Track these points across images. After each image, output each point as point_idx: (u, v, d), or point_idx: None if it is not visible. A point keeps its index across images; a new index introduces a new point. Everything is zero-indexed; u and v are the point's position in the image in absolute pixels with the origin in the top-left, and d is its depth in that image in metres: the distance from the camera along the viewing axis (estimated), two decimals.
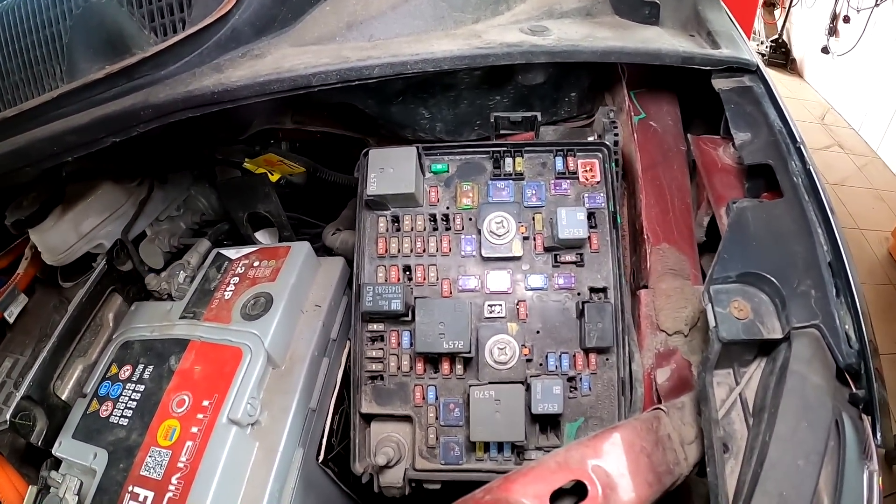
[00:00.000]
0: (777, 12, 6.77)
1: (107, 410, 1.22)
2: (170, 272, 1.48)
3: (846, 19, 5.56)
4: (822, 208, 0.99)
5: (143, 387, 1.22)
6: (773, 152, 1.08)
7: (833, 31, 5.76)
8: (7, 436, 1.45)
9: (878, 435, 0.81)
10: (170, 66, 1.06)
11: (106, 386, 1.27)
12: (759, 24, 6.70)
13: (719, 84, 1.19)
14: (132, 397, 1.21)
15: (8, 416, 1.24)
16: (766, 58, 6.57)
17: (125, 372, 1.27)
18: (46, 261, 1.48)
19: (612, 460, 0.80)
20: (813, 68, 6.32)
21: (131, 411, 1.19)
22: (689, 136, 1.25)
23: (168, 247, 1.70)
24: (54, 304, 1.66)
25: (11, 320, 1.52)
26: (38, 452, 1.32)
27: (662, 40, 1.20)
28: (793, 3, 6.35)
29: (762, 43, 6.68)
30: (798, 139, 1.09)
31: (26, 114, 1.13)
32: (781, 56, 6.58)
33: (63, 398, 1.37)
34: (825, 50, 5.93)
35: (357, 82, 1.00)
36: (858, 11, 5.33)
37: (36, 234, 1.44)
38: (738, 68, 1.20)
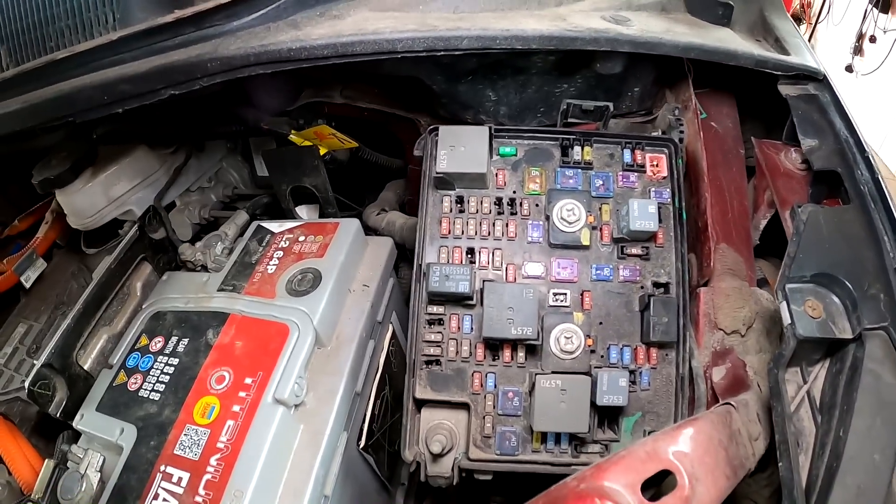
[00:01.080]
0: (803, 27, 6.80)
1: (136, 383, 1.18)
2: (206, 243, 1.44)
3: (872, 39, 5.57)
4: (890, 216, 0.98)
5: (177, 360, 1.18)
6: (840, 160, 1.08)
7: (858, 51, 5.78)
8: (17, 405, 1.40)
9: None
10: (243, 17, 1.02)
11: (135, 357, 1.23)
12: None
13: (786, 90, 1.19)
14: (165, 371, 1.17)
15: (27, 384, 1.17)
16: None
17: (157, 344, 1.23)
18: (72, 224, 1.44)
19: (694, 451, 0.79)
20: (836, 86, 6.35)
21: (164, 385, 1.15)
22: (753, 139, 1.24)
23: (198, 218, 1.67)
24: (73, 271, 1.63)
25: (28, 285, 1.48)
26: (54, 424, 1.26)
27: (736, 42, 1.19)
28: (819, 20, 6.38)
29: None
30: (865, 148, 1.08)
31: (77, 57, 1.09)
32: None
33: (86, 368, 1.31)
34: (849, 68, 5.94)
35: (443, 53, 0.98)
36: (885, 32, 5.36)
37: (63, 196, 1.39)
38: (806, 76, 1.19)
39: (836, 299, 0.92)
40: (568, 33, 1.01)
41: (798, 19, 6.78)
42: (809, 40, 6.52)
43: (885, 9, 5.27)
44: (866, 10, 5.51)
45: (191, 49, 1.02)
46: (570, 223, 1.06)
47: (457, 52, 0.98)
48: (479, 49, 0.98)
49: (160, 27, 1.04)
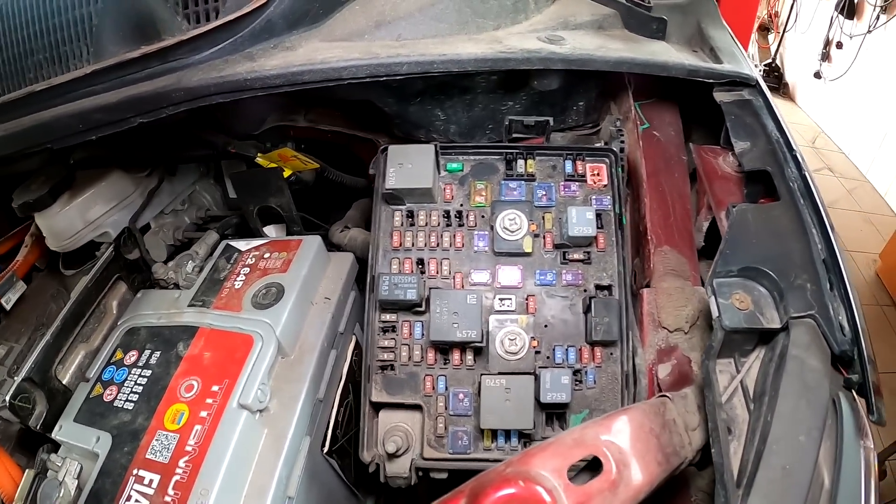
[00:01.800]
0: (771, 37, 6.91)
1: (111, 395, 1.22)
2: (177, 261, 1.50)
3: (839, 45, 5.67)
4: (817, 210, 1.05)
5: (149, 372, 1.23)
6: (771, 159, 1.14)
7: (826, 57, 5.88)
8: None
9: (874, 412, 0.86)
10: (203, 52, 1.08)
11: (110, 371, 1.28)
12: (753, 49, 6.82)
13: (720, 97, 1.25)
14: (138, 382, 1.22)
15: (7, 398, 1.23)
16: None
17: (131, 357, 1.28)
18: (51, 246, 1.48)
19: (624, 439, 0.84)
20: (805, 93, 6.45)
21: (137, 395, 1.20)
22: (690, 144, 1.30)
23: (172, 240, 1.71)
24: (52, 293, 1.66)
25: (9, 307, 1.51)
26: (34, 439, 1.31)
27: (669, 54, 1.26)
28: (787, 29, 6.48)
29: (756, 67, 6.79)
30: (794, 148, 1.15)
31: (55, 89, 1.14)
32: (774, 80, 6.70)
33: (64, 382, 1.36)
34: (818, 75, 6.04)
35: (385, 78, 1.04)
36: (851, 38, 5.45)
37: (42, 219, 1.44)
38: (739, 82, 1.26)
39: (764, 291, 0.98)
40: (501, 55, 1.07)
41: (766, 29, 6.89)
42: (778, 49, 6.63)
43: (850, 15, 5.37)
44: (832, 17, 5.61)
45: (157, 81, 1.09)
46: (512, 232, 1.12)
47: (398, 77, 1.04)
48: (419, 73, 1.05)
49: (129, 61, 1.10)
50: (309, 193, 1.74)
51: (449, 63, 1.05)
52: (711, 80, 1.24)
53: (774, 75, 6.72)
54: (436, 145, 1.18)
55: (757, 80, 1.26)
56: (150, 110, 1.08)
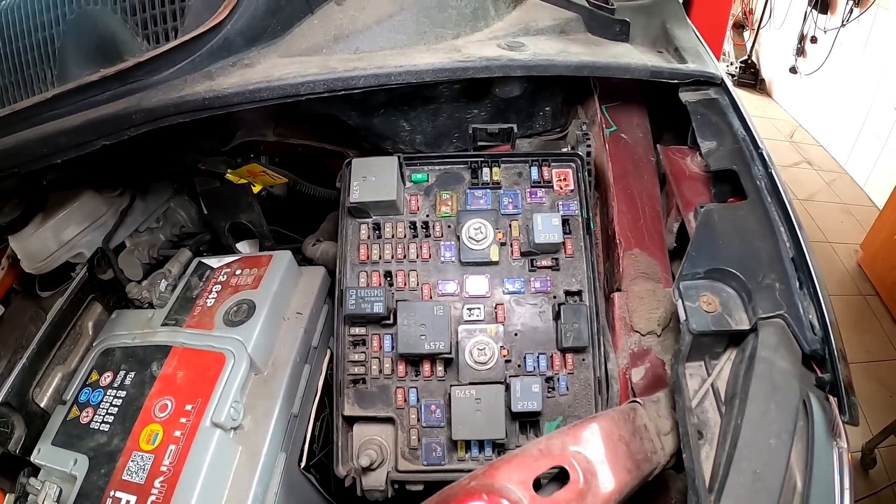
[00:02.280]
0: (746, 34, 6.95)
1: (87, 417, 1.22)
2: (151, 281, 1.49)
3: (813, 40, 5.72)
4: (784, 208, 1.04)
5: (124, 393, 1.22)
6: (738, 158, 1.14)
7: (801, 52, 5.93)
8: None
9: (846, 412, 0.86)
10: (163, 72, 1.08)
11: (86, 393, 1.27)
12: (728, 46, 6.88)
13: (686, 97, 1.26)
14: (113, 403, 1.22)
15: None
16: (735, 78, 6.74)
17: (106, 378, 1.27)
18: (26, 269, 1.48)
19: (591, 448, 0.84)
20: (781, 88, 6.50)
21: (112, 417, 1.19)
22: (658, 146, 1.31)
23: (147, 258, 1.70)
24: (31, 315, 1.65)
25: None
26: (14, 462, 1.30)
27: (632, 56, 1.26)
28: (762, 25, 6.52)
29: (732, 64, 6.85)
30: (760, 146, 1.15)
31: (18, 114, 1.14)
32: (751, 76, 6.76)
33: (42, 406, 1.36)
34: (793, 70, 6.09)
35: (343, 92, 1.04)
36: (825, 32, 5.50)
37: (16, 241, 1.44)
38: (704, 81, 1.26)
39: (732, 292, 0.97)
40: (459, 64, 1.07)
41: (741, 26, 6.94)
42: (753, 45, 6.68)
43: (823, 10, 5.42)
44: (806, 12, 5.65)
45: (118, 103, 1.09)
46: (478, 241, 1.12)
47: (356, 91, 1.04)
48: (376, 86, 1.04)
49: (89, 84, 1.10)
50: (282, 207, 1.74)
51: (406, 74, 1.05)
52: (676, 81, 1.24)
53: (751, 72, 6.77)
54: (399, 157, 1.18)
55: (722, 79, 1.27)
56: (111, 132, 1.08)
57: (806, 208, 4.84)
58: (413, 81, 1.06)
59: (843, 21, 5.18)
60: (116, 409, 1.21)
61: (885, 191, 4.11)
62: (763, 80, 6.78)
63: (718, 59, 5.10)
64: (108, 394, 1.24)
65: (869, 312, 3.98)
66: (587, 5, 1.38)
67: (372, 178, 1.14)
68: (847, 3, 5.09)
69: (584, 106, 1.41)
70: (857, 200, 5.01)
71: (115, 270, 1.56)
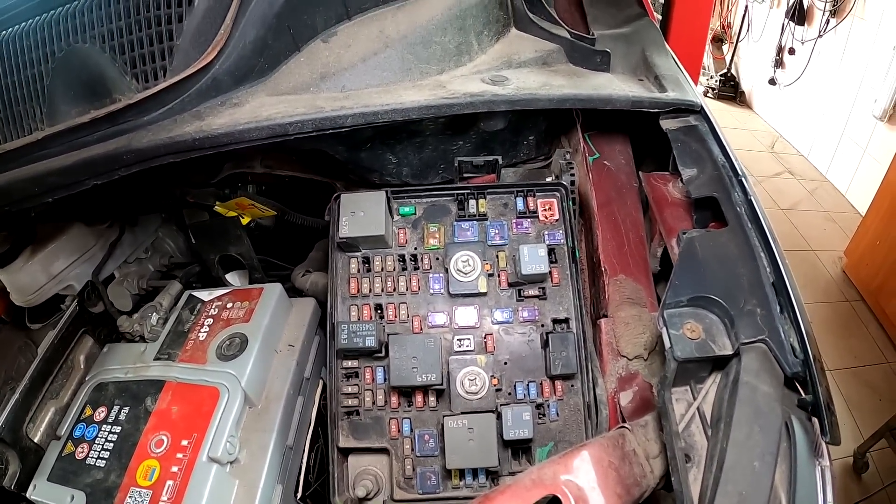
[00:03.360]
0: (725, 47, 7.04)
1: (83, 452, 1.22)
2: (142, 314, 1.50)
3: (791, 51, 5.81)
4: (764, 234, 1.06)
5: (119, 428, 1.23)
6: (718, 185, 1.16)
7: (779, 63, 6.01)
8: None
9: (827, 433, 0.87)
10: (152, 112, 1.09)
11: (81, 428, 1.28)
12: (708, 60, 6.96)
13: (667, 124, 1.27)
14: (108, 439, 1.22)
15: None
16: (715, 91, 6.83)
17: (100, 414, 1.28)
18: (16, 302, 1.48)
19: (582, 475, 0.86)
20: (761, 99, 6.58)
21: (108, 453, 1.20)
22: (640, 173, 1.33)
23: (136, 289, 1.71)
24: (19, 346, 1.65)
25: None
26: (9, 498, 1.30)
27: (613, 86, 1.28)
28: (740, 38, 6.61)
29: (712, 77, 6.93)
30: (740, 172, 1.17)
31: (9, 154, 1.15)
32: (731, 89, 6.84)
33: (36, 441, 1.36)
34: (772, 81, 6.17)
35: (331, 131, 1.05)
36: (803, 43, 5.58)
37: (5, 275, 1.43)
38: (684, 109, 1.28)
39: (715, 318, 0.99)
40: (444, 101, 1.09)
41: (720, 40, 7.03)
42: (732, 58, 6.77)
43: (801, 21, 5.50)
44: (783, 24, 5.74)
45: (108, 143, 1.09)
46: (466, 274, 1.14)
47: (343, 129, 1.06)
48: (363, 125, 1.06)
49: (80, 125, 1.11)
50: (270, 235, 1.75)
51: (392, 113, 1.07)
52: (656, 110, 1.27)
53: (730, 84, 6.86)
54: (387, 192, 1.20)
55: (701, 106, 1.29)
56: (103, 172, 1.09)
57: (789, 217, 4.90)
58: (399, 119, 1.07)
59: (820, 32, 5.27)
60: (112, 444, 1.21)
61: (867, 197, 4.17)
62: (743, 92, 6.87)
63: (698, 75, 5.18)
64: (102, 429, 1.25)
65: (855, 318, 4.03)
66: (568, 36, 1.40)
67: (360, 214, 1.16)
68: (824, 15, 5.17)
69: (568, 134, 1.44)
70: (840, 208, 5.08)
71: (105, 303, 1.57)
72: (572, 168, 1.28)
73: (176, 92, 1.09)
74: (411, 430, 1.12)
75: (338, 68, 1.17)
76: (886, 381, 3.59)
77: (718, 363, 0.99)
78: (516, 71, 1.29)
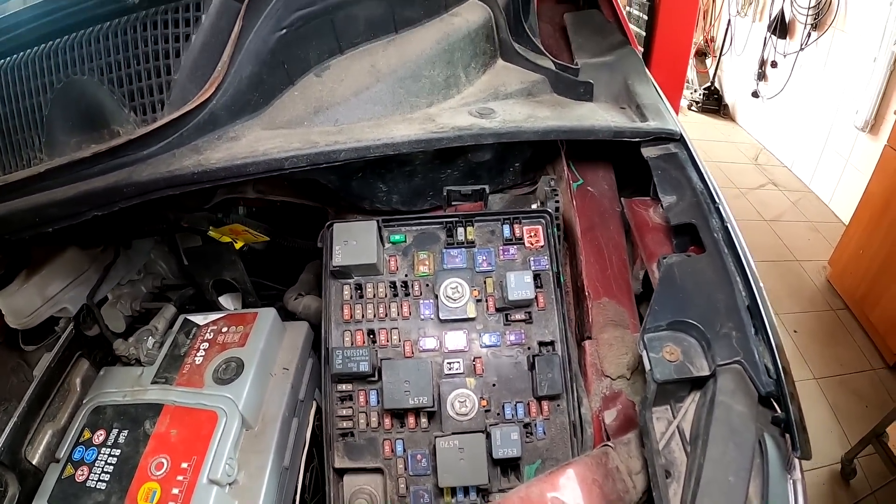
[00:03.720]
0: (709, 61, 7.15)
1: (82, 475, 1.24)
2: (137, 337, 1.51)
3: (773, 64, 5.89)
4: (739, 259, 1.11)
5: (119, 451, 1.25)
6: (696, 212, 1.21)
7: (762, 76, 6.10)
8: None
9: (798, 449, 0.91)
10: (151, 147, 1.12)
11: (80, 451, 1.29)
12: (692, 74, 7.05)
13: (647, 152, 1.32)
14: (108, 461, 1.24)
15: None
16: (699, 104, 6.91)
17: (99, 437, 1.30)
18: (11, 324, 1.49)
19: (568, 492, 0.91)
20: (745, 112, 6.67)
21: (108, 475, 1.21)
22: (622, 199, 1.38)
23: (129, 311, 1.72)
24: (12, 366, 1.66)
25: None
26: None
27: (596, 116, 1.33)
28: (723, 52, 6.70)
29: (696, 91, 7.02)
30: (717, 199, 1.22)
31: (10, 185, 1.17)
32: (714, 102, 6.94)
33: (34, 463, 1.37)
34: (755, 94, 6.26)
35: (325, 165, 1.09)
36: (785, 56, 5.67)
37: (1, 298, 1.45)
38: (664, 137, 1.33)
39: (693, 341, 1.04)
40: (434, 135, 1.13)
41: (703, 54, 7.13)
42: (716, 72, 6.86)
43: (782, 34, 5.59)
44: (766, 38, 5.83)
45: (109, 176, 1.12)
46: (455, 300, 1.19)
47: (337, 163, 1.10)
48: (356, 158, 1.10)
49: (81, 160, 1.13)
50: (261, 257, 1.78)
51: (384, 147, 1.11)
52: (636, 140, 1.32)
53: (714, 98, 6.95)
54: (378, 221, 1.24)
55: (681, 134, 1.34)
56: (103, 204, 1.11)
57: (773, 229, 4.96)
58: (391, 153, 1.11)
59: (801, 45, 5.35)
60: (112, 467, 1.23)
61: (850, 207, 4.23)
62: (726, 105, 6.96)
63: (682, 89, 5.24)
64: (102, 452, 1.26)
65: (840, 326, 4.09)
66: (553, 67, 1.45)
67: (353, 242, 1.20)
68: (805, 28, 5.26)
69: (552, 162, 1.48)
70: (824, 218, 5.15)
71: (101, 326, 1.59)
72: (557, 195, 1.32)
73: (175, 126, 1.12)
74: (404, 451, 1.16)
75: (331, 102, 1.21)
76: (872, 388, 3.65)
77: (697, 383, 1.03)
78: (503, 102, 1.33)
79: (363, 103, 1.22)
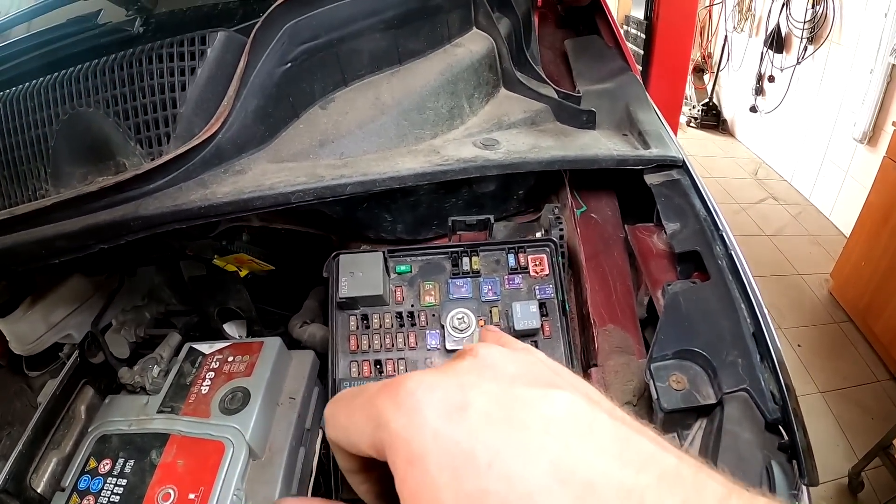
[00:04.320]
0: (706, 77, 7.18)
1: None
2: (142, 366, 1.51)
3: (771, 79, 5.93)
4: (744, 287, 1.12)
5: (125, 481, 1.24)
6: (700, 239, 1.22)
7: (760, 91, 6.13)
8: None
9: (805, 476, 0.91)
10: (158, 181, 1.12)
11: (86, 480, 1.29)
12: (690, 90, 7.08)
13: (650, 179, 1.33)
14: (115, 491, 1.23)
15: None
16: (698, 120, 6.95)
17: (105, 466, 1.30)
18: (15, 350, 1.49)
19: None
20: (743, 127, 6.70)
21: None
22: (626, 227, 1.38)
23: (134, 337, 1.72)
24: (15, 390, 1.66)
25: None
26: None
27: (599, 144, 1.34)
28: (721, 68, 6.75)
29: (694, 107, 7.06)
30: (721, 227, 1.23)
31: (17, 218, 1.17)
32: (713, 118, 6.97)
33: (39, 492, 1.37)
34: (753, 109, 6.29)
35: (331, 199, 1.10)
36: (782, 70, 5.71)
37: (5, 324, 1.45)
38: (667, 164, 1.34)
39: (699, 369, 1.05)
40: (439, 168, 1.14)
41: (701, 70, 7.17)
42: (714, 88, 6.90)
43: (779, 49, 5.63)
44: (762, 53, 5.87)
45: (116, 210, 1.12)
46: (461, 330, 1.19)
47: (343, 197, 1.11)
48: (362, 192, 1.11)
49: (88, 194, 1.13)
50: (264, 282, 1.78)
51: (390, 181, 1.11)
52: (640, 167, 1.33)
53: (712, 113, 6.99)
54: (384, 253, 1.24)
55: (683, 161, 1.35)
56: (110, 238, 1.12)
57: (775, 243, 4.97)
58: (397, 186, 1.12)
59: (798, 59, 5.40)
60: (118, 497, 1.22)
61: (851, 219, 4.24)
62: (725, 120, 7.00)
63: (680, 107, 5.27)
64: (108, 481, 1.26)
65: (844, 339, 4.09)
66: (555, 96, 1.46)
67: (359, 273, 1.20)
68: (801, 42, 5.30)
69: (556, 188, 1.49)
70: (824, 231, 5.17)
71: (106, 354, 1.59)
72: (561, 223, 1.33)
73: (181, 161, 1.12)
74: None
75: (336, 135, 1.22)
76: (877, 400, 3.64)
77: (703, 410, 1.04)
78: (506, 132, 1.34)
79: (368, 136, 1.23)
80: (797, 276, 4.63)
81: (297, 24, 1.20)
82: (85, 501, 1.24)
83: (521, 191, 1.45)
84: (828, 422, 3.51)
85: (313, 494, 1.35)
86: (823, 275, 4.56)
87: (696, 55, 6.96)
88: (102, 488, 1.25)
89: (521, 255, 1.27)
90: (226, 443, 1.23)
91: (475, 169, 1.17)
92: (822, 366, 3.87)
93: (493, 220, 1.30)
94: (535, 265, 1.27)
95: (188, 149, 1.11)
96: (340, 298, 1.20)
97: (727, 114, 7.07)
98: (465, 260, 1.27)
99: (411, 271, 1.27)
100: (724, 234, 1.22)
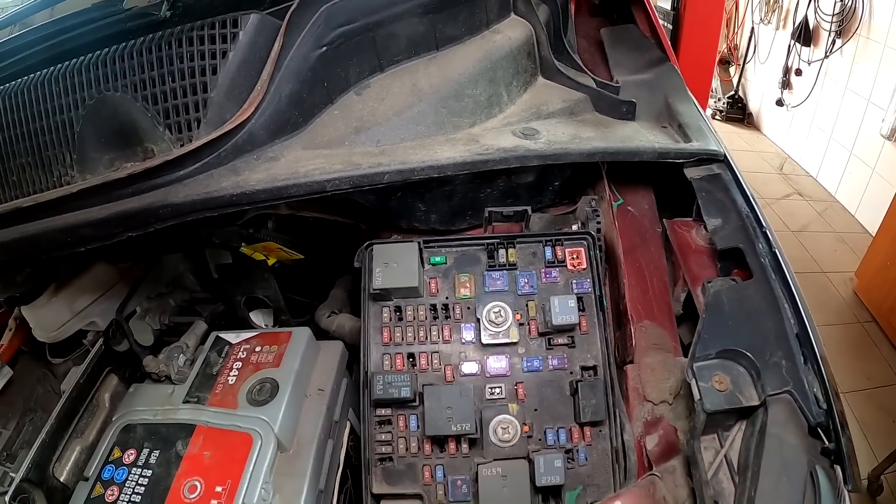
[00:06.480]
0: (732, 69, 7.07)
1: (113, 495, 1.22)
2: (168, 354, 1.49)
3: (798, 72, 5.82)
4: (788, 286, 1.09)
5: (150, 472, 1.23)
6: (743, 236, 1.18)
7: (786, 84, 6.03)
8: None
9: (849, 482, 0.90)
10: (188, 167, 1.10)
11: (109, 470, 1.28)
12: (715, 82, 6.97)
13: (691, 173, 1.30)
14: (139, 482, 1.22)
15: (7, 499, 1.23)
16: (723, 113, 6.83)
17: (129, 456, 1.28)
18: (39, 337, 1.48)
19: None
20: (769, 121, 6.59)
21: (140, 496, 1.20)
22: (664, 220, 1.35)
23: (158, 324, 1.71)
24: (38, 376, 1.65)
25: None
26: None
27: (640, 136, 1.31)
28: (747, 60, 6.64)
29: (719, 100, 6.95)
30: (764, 224, 1.19)
31: (43, 205, 1.16)
32: (738, 111, 6.85)
33: (62, 480, 1.36)
34: (780, 102, 6.18)
35: (368, 187, 1.08)
36: (809, 64, 5.60)
37: (29, 311, 1.45)
38: (708, 158, 1.30)
39: (742, 370, 1.02)
40: (479, 157, 1.11)
41: (727, 62, 7.05)
42: (740, 80, 6.79)
43: (807, 42, 5.52)
44: (790, 45, 5.76)
45: (144, 197, 1.11)
46: (497, 324, 1.16)
47: (380, 185, 1.08)
48: (400, 181, 1.08)
49: (116, 181, 1.11)
50: (290, 270, 1.76)
51: (429, 169, 1.09)
52: (681, 161, 1.29)
53: (738, 106, 6.87)
54: (419, 243, 1.22)
55: (725, 155, 1.31)
56: (138, 226, 1.10)
57: (799, 240, 4.90)
58: (436, 176, 1.10)
59: (826, 52, 5.28)
60: (143, 488, 1.21)
61: (877, 217, 4.17)
62: (750, 113, 6.88)
63: (707, 99, 5.19)
64: (132, 472, 1.25)
65: (868, 339, 4.02)
66: (594, 85, 1.43)
67: (393, 265, 1.17)
68: (830, 35, 5.19)
69: (592, 180, 1.46)
70: (850, 228, 5.08)
71: (130, 342, 1.58)
72: (598, 216, 1.30)
73: (212, 147, 1.11)
74: (444, 476, 1.13)
75: (372, 122, 1.19)
76: None
77: (744, 412, 1.01)
78: (545, 122, 1.31)
79: (405, 123, 1.21)
80: (821, 274, 4.56)
81: (334, 6, 1.18)
82: (109, 492, 1.23)
83: (557, 182, 1.42)
84: (849, 423, 3.44)
85: (340, 487, 1.33)
86: (848, 273, 4.48)
87: (721, 47, 6.83)
88: (127, 479, 1.24)
89: (558, 249, 1.24)
90: (254, 435, 1.22)
91: (516, 159, 1.14)
92: (844, 366, 3.80)
93: (530, 212, 1.27)
94: (573, 259, 1.23)
95: (220, 134, 1.09)
96: (374, 289, 1.18)
97: (753, 107, 6.92)
98: (501, 252, 1.24)
99: (446, 262, 1.24)
100: (766, 231, 1.18)
